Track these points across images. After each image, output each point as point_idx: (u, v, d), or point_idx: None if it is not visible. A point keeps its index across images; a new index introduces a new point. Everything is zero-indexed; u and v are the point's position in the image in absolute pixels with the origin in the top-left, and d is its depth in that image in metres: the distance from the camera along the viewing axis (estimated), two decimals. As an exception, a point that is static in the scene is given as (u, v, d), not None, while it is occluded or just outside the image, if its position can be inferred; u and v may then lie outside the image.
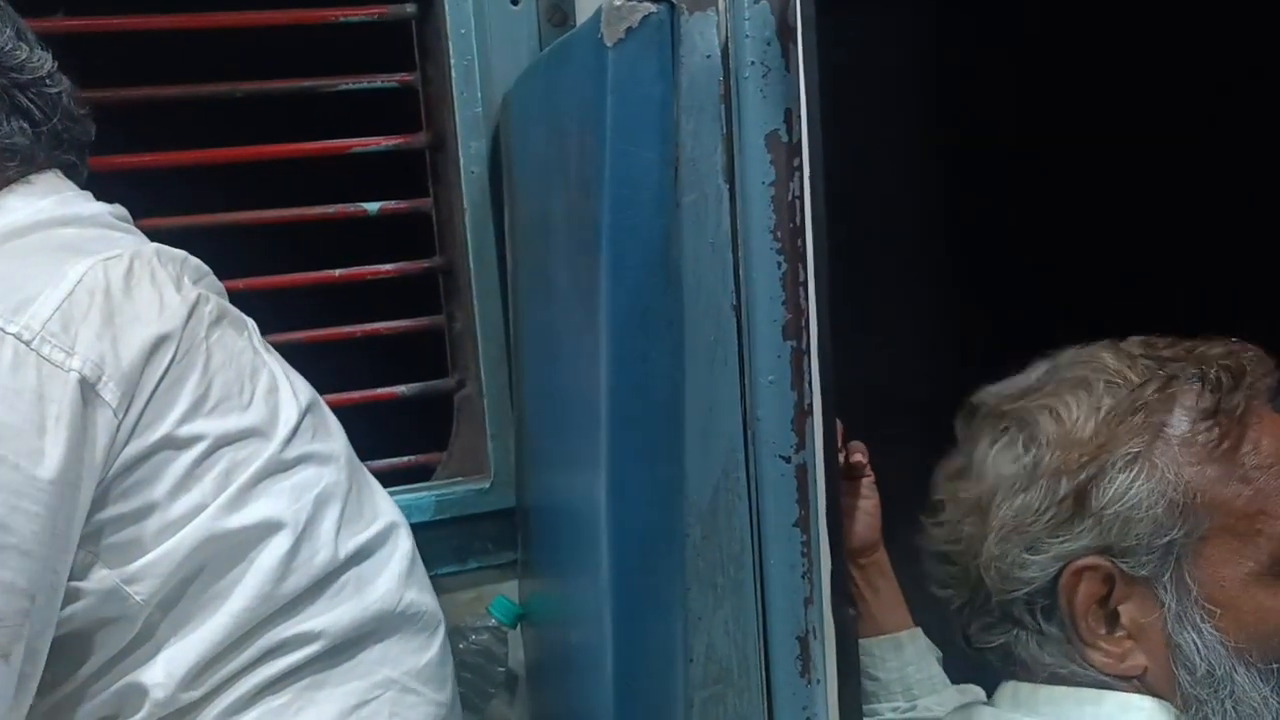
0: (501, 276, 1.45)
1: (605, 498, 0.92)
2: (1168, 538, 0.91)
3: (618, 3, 0.86)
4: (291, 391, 1.05)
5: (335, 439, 1.11)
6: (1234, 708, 0.90)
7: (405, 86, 1.49)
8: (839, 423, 1.24)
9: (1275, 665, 0.92)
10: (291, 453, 1.01)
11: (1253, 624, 0.91)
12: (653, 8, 0.86)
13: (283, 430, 1.01)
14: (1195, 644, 0.91)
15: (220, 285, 1.14)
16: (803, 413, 0.92)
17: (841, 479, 1.26)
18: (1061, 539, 0.93)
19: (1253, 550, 0.92)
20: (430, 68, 1.48)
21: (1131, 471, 0.92)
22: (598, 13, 0.89)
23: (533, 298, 1.29)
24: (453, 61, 1.41)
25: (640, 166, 0.87)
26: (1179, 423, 0.93)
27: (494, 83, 1.42)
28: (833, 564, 1.03)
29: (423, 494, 1.48)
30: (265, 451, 0.99)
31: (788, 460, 0.91)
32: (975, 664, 1.11)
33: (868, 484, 1.32)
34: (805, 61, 0.98)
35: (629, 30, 0.86)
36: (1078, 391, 0.96)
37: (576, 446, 1.04)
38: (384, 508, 1.12)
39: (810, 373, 0.92)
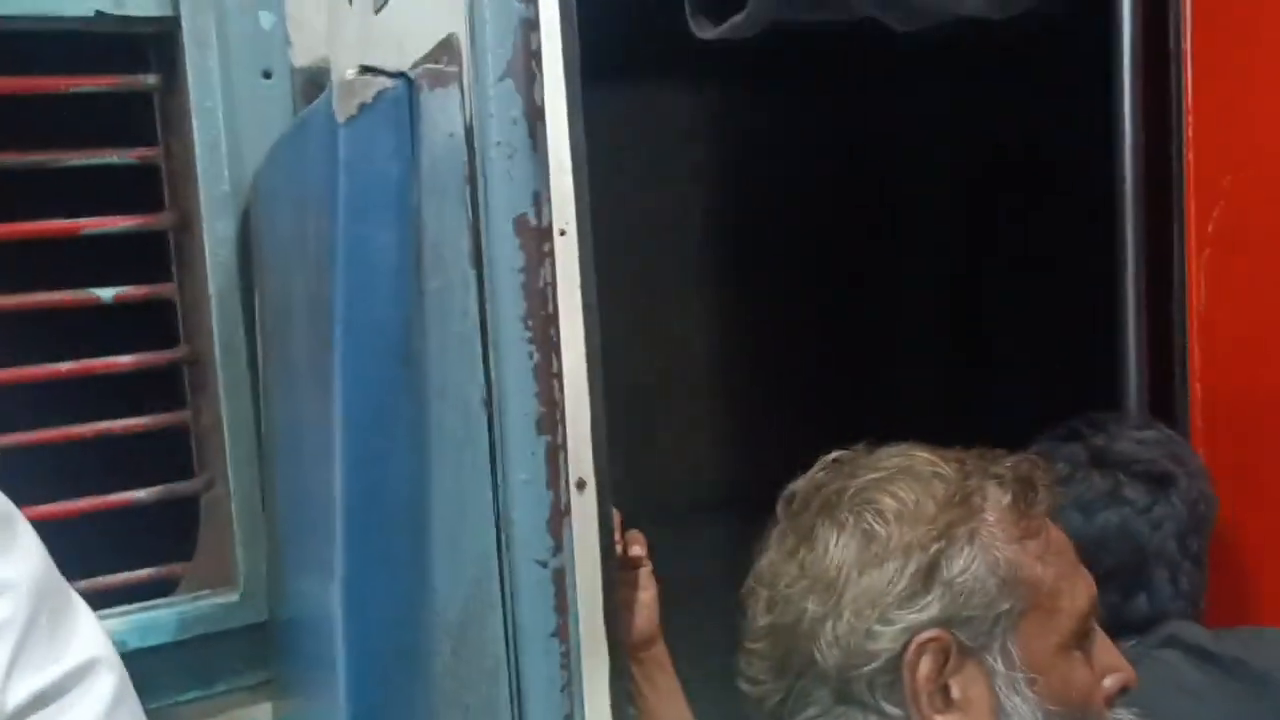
0: (251, 368, 1.34)
1: (341, 612, 0.83)
2: (998, 610, 0.98)
3: (350, 76, 0.80)
4: None
5: (20, 562, 0.96)
6: None
7: (146, 163, 1.38)
8: (617, 512, 1.19)
9: None
10: None
11: (1061, 690, 1.00)
12: (388, 83, 0.80)
13: None
14: (1021, 709, 0.97)
15: None
16: (559, 512, 0.85)
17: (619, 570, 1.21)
18: (911, 610, 0.97)
19: (1056, 624, 1.00)
20: (174, 143, 1.38)
21: (972, 547, 0.98)
22: (331, 87, 0.82)
23: (279, 391, 1.19)
24: (197, 137, 1.31)
25: (376, 250, 0.80)
26: (993, 511, 1.01)
27: (244, 160, 1.33)
28: (611, 663, 0.96)
29: (162, 611, 1.33)
30: None
31: (544, 565, 0.85)
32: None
33: (645, 574, 1.27)
34: (572, 137, 0.94)
35: (362, 106, 0.80)
36: (908, 480, 1.03)
37: (317, 555, 0.94)
38: (83, 641, 0.98)
39: (566, 470, 0.86)
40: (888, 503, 1.01)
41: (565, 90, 0.89)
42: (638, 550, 1.25)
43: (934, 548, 0.98)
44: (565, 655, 0.85)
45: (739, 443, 2.11)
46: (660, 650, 1.30)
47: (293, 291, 1.05)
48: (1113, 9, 1.60)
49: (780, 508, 1.08)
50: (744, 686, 1.06)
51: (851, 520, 1.01)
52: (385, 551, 0.81)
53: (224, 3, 1.30)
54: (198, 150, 1.31)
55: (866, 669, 0.97)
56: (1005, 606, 0.98)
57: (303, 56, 1.35)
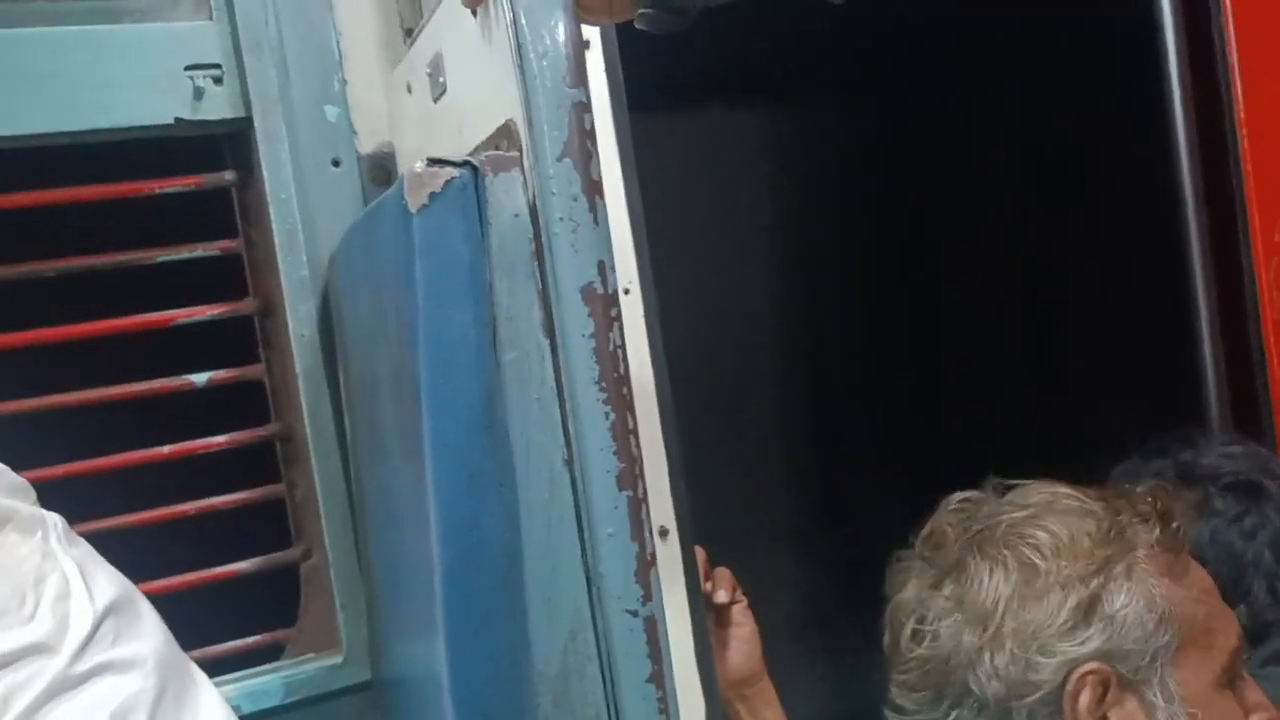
0: (340, 440, 1.40)
1: (446, 673, 0.88)
2: (1156, 644, 1.00)
3: (418, 169, 0.85)
4: (87, 595, 0.97)
5: (145, 639, 1.02)
6: None
7: (229, 253, 1.46)
8: (701, 553, 1.22)
9: None
10: (82, 665, 0.93)
11: None
12: (455, 172, 0.86)
13: (72, 641, 0.93)
14: None
15: (19, 481, 1.06)
16: (646, 563, 0.89)
17: (709, 613, 1.24)
18: (1072, 642, 0.99)
19: (1211, 661, 1.03)
20: (254, 233, 1.46)
21: (1130, 582, 1.01)
22: (402, 179, 0.88)
23: (370, 460, 1.25)
24: (275, 226, 1.39)
25: (455, 328, 0.86)
26: (1144, 547, 1.04)
27: (319, 244, 1.40)
28: (707, 705, 1.00)
29: (270, 676, 1.39)
30: (50, 670, 0.90)
31: (635, 614, 0.89)
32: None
33: (740, 610, 1.29)
34: (629, 204, 0.99)
35: (432, 195, 0.85)
36: (1059, 516, 1.05)
37: (418, 617, 0.99)
38: (208, 711, 1.03)
39: (649, 521, 0.90)
40: (1043, 538, 1.03)
41: (620, 160, 0.94)
42: (723, 596, 1.27)
43: (1095, 582, 1.00)
44: (662, 700, 0.88)
45: (809, 475, 2.12)
46: (765, 686, 1.31)
47: (376, 368, 1.10)
48: (1156, 19, 1.61)
49: (919, 544, 1.11)
50: (891, 715, 1.09)
51: (1008, 554, 1.03)
52: (484, 610, 0.86)
53: (292, 100, 1.38)
54: (276, 238, 1.39)
55: (1027, 700, 0.99)
56: (1163, 641, 1.00)
57: (367, 144, 1.42)
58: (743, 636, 1.28)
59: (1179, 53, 1.62)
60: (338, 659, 1.43)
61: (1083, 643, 0.99)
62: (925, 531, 1.12)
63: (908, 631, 1.07)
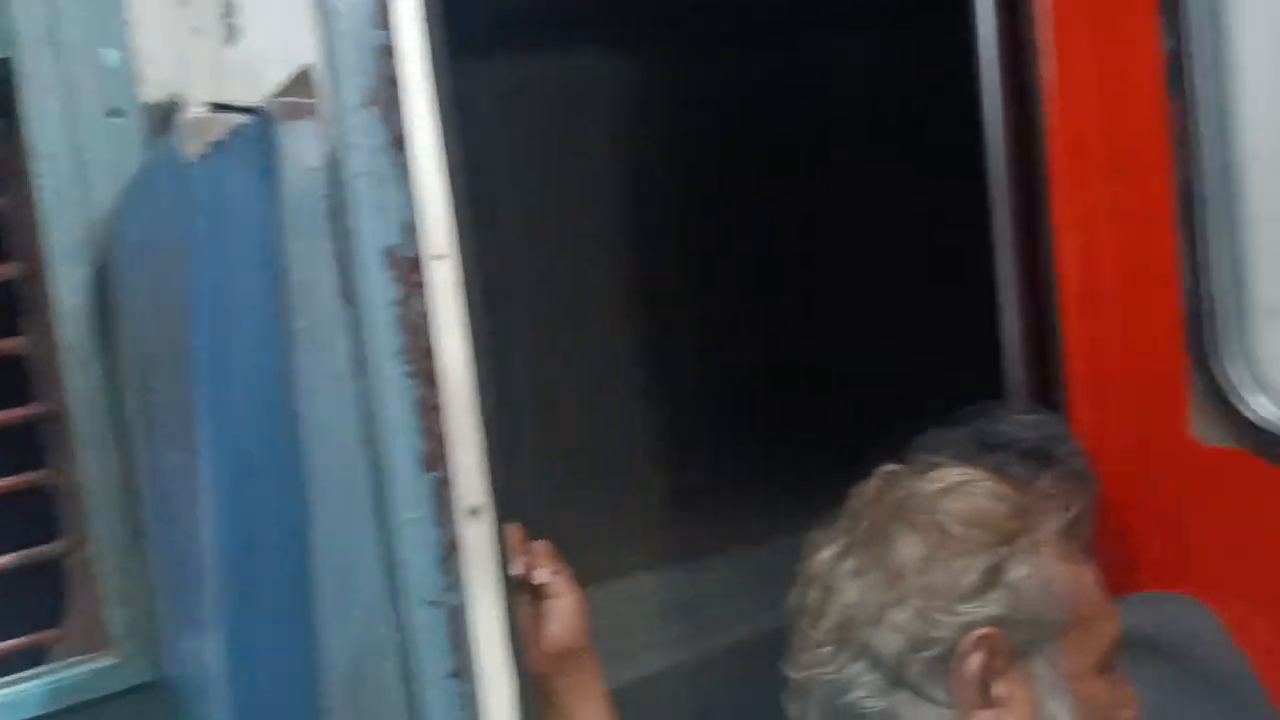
0: (116, 422, 1.27)
1: (225, 672, 0.79)
2: (1049, 618, 1.06)
3: (198, 113, 0.76)
4: None
5: None
6: None
7: (-14, 212, 1.30)
8: (518, 529, 1.16)
9: None
10: None
11: (1090, 707, 1.08)
12: (241, 119, 0.77)
13: None
14: (1059, 714, 1.05)
15: None
16: (450, 550, 0.83)
17: (526, 589, 1.19)
18: (974, 604, 1.04)
19: (1093, 645, 1.09)
20: (19, 189, 1.30)
21: (1033, 557, 1.06)
22: (179, 125, 0.78)
23: (152, 443, 1.14)
24: (40, 183, 1.24)
25: (238, 292, 0.77)
26: (1049, 529, 1.10)
27: (96, 204, 1.26)
28: (517, 694, 0.94)
29: (28, 684, 1.25)
30: None
31: (438, 605, 0.82)
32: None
33: (562, 581, 1.23)
34: (443, 160, 0.91)
35: (215, 144, 0.76)
36: (976, 491, 1.11)
37: (200, 612, 0.89)
38: None
39: (455, 505, 0.84)
40: (959, 508, 1.09)
41: (434, 111, 0.87)
42: (544, 566, 1.22)
43: (1001, 551, 1.06)
44: (466, 695, 0.82)
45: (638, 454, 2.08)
46: (589, 659, 1.27)
47: (157, 339, 1.00)
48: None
49: (845, 507, 1.15)
50: (791, 672, 1.11)
51: (926, 520, 1.09)
52: (266, 605, 0.78)
53: (64, 41, 1.24)
54: (44, 195, 1.24)
55: (923, 655, 1.04)
56: (1054, 617, 1.06)
57: (153, 93, 1.29)
58: (566, 608, 1.23)
59: (992, 36, 1.67)
60: (112, 660, 1.30)
61: (982, 606, 1.04)
62: (848, 498, 1.16)
63: (817, 589, 1.11)
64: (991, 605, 1.04)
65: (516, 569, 1.17)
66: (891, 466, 1.19)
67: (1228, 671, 1.43)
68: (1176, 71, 1.44)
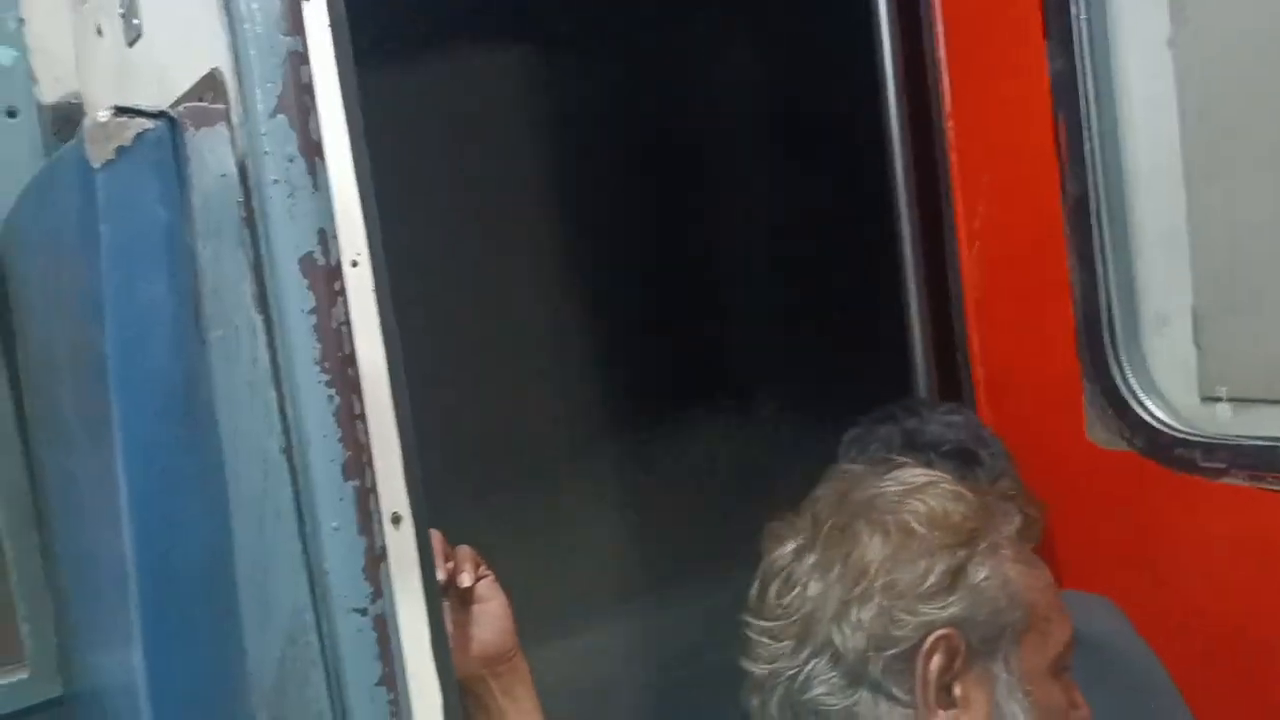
0: (18, 427, 1.23)
1: (143, 688, 0.78)
2: (1006, 620, 1.08)
3: (103, 119, 0.74)
4: None
5: None
6: None
7: (-125, 213, 1.25)
8: (438, 535, 1.15)
9: None
10: None
11: (1046, 708, 1.10)
12: (148, 124, 0.75)
13: None
14: (1017, 715, 1.07)
15: None
16: (375, 557, 0.83)
17: (452, 594, 1.19)
18: (935, 605, 1.06)
19: (1047, 647, 1.11)
20: (-91, 190, 1.25)
21: (993, 558, 1.09)
22: (83, 130, 0.76)
23: (54, 450, 1.10)
24: (-65, 183, 1.20)
25: (148, 300, 0.75)
26: (1006, 531, 1.12)
27: (-9, 206, 1.22)
28: (444, 701, 0.94)
29: (-65, 702, 1.21)
30: None
31: (364, 613, 0.82)
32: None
33: (487, 585, 1.23)
34: (356, 166, 0.91)
35: (120, 150, 0.74)
36: (938, 493, 1.13)
37: (112, 625, 0.87)
38: None
39: (379, 512, 0.83)
40: (922, 509, 1.10)
41: (345, 117, 0.86)
42: (468, 569, 1.21)
43: (962, 553, 1.08)
44: (394, 703, 0.82)
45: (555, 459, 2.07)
46: (518, 662, 1.26)
47: (58, 345, 0.97)
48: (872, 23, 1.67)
49: (805, 506, 1.17)
50: (750, 665, 1.13)
51: (890, 520, 1.10)
52: (185, 618, 0.76)
53: (-47, 37, 1.19)
54: (-64, 197, 1.20)
55: (885, 653, 1.05)
56: (1012, 619, 1.08)
57: (50, 92, 1.25)
58: (492, 611, 1.23)
59: (894, 54, 1.71)
60: (22, 674, 1.27)
61: (944, 606, 1.06)
62: (811, 496, 1.17)
63: (777, 583, 1.11)
64: (952, 607, 1.06)
65: (442, 575, 1.16)
66: (852, 466, 1.20)
67: (1138, 666, 1.49)
68: (1063, 91, 1.49)
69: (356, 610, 0.81)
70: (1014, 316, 1.67)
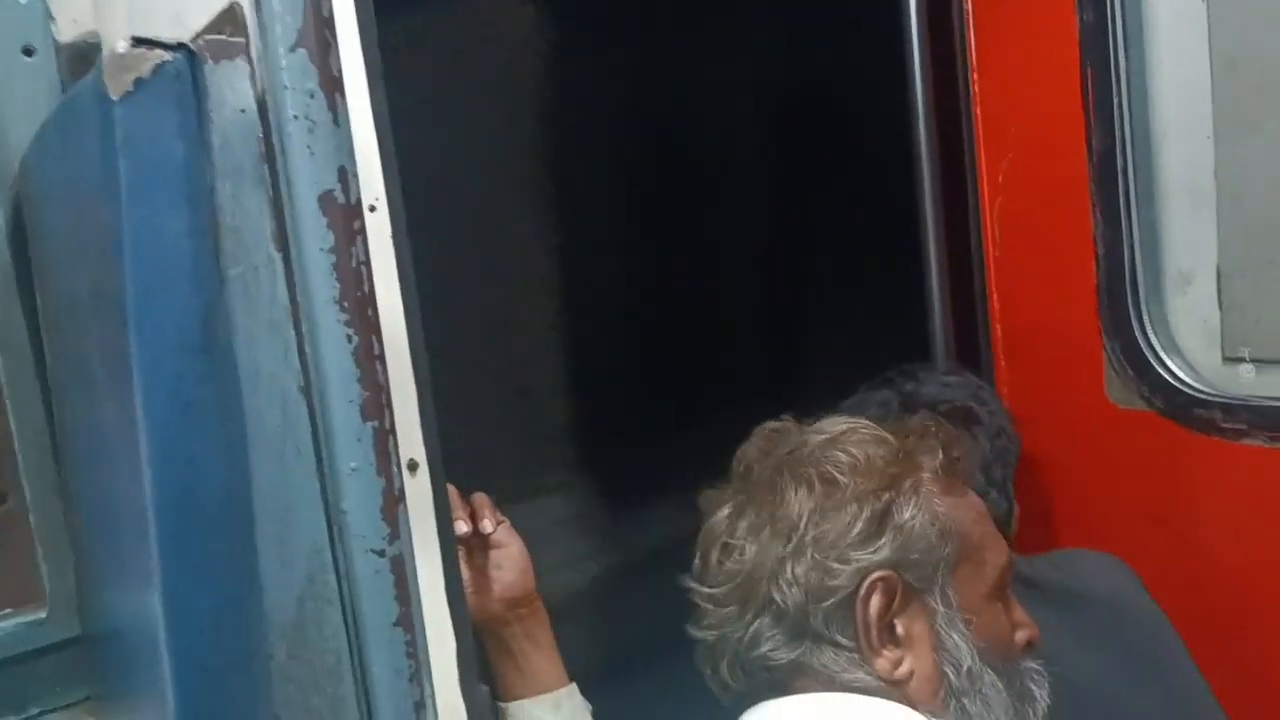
0: (38, 369, 1.23)
1: (163, 622, 0.78)
2: (938, 555, 1.10)
3: (121, 49, 0.73)
4: None
5: None
6: (983, 702, 1.10)
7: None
8: (453, 489, 1.16)
9: (1006, 667, 1.13)
10: None
11: (989, 633, 1.12)
12: (167, 56, 0.74)
13: None
14: (960, 645, 1.09)
15: None
16: (393, 499, 0.82)
17: (470, 540, 1.20)
18: (866, 550, 1.07)
19: (984, 575, 1.14)
20: (-72, 129, 1.24)
21: (917, 497, 1.11)
22: (101, 62, 0.75)
23: (75, 391, 1.10)
24: (-47, 121, 1.19)
25: (166, 236, 0.75)
26: (929, 468, 1.14)
27: (9, 146, 1.21)
28: (458, 645, 0.94)
29: (-42, 637, 1.23)
30: None
31: (381, 554, 0.82)
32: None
33: (505, 531, 1.25)
34: (374, 106, 0.89)
35: (139, 82, 0.73)
36: (857, 440, 1.14)
37: (132, 564, 0.88)
38: None
39: (397, 454, 0.83)
40: (843, 458, 1.12)
41: (364, 56, 0.85)
42: (487, 518, 1.23)
43: (886, 496, 1.09)
44: (410, 644, 0.82)
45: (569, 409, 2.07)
46: (538, 605, 1.29)
47: (77, 284, 0.97)
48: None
49: (733, 468, 1.19)
50: (699, 633, 1.15)
51: (813, 472, 1.11)
52: (205, 555, 0.77)
53: (-31, -26, 1.18)
54: (-45, 136, 1.19)
55: (824, 604, 1.07)
56: (944, 553, 1.10)
57: (67, 31, 1.23)
58: (512, 555, 1.26)
59: (917, 5, 1.68)
60: (41, 614, 1.28)
61: (875, 551, 1.07)
62: (736, 457, 1.18)
63: (716, 550, 1.13)
64: (883, 550, 1.08)
65: (464, 526, 1.17)
66: (773, 424, 1.21)
67: (1147, 624, 1.49)
68: (1093, 44, 1.47)
69: (374, 551, 0.81)
70: (1035, 274, 1.65)
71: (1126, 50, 1.44)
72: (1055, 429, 1.62)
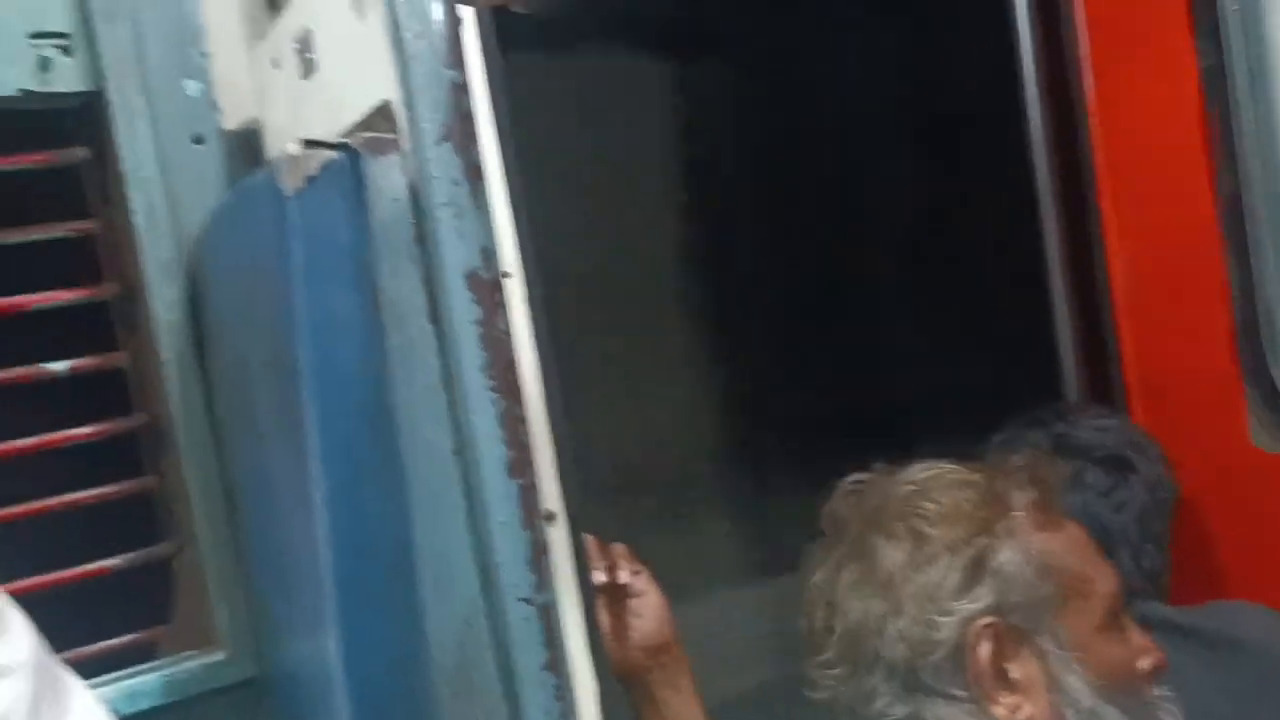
0: (212, 430, 1.35)
1: (340, 668, 0.86)
2: (1041, 594, 1.08)
3: (293, 151, 0.82)
4: None
5: (16, 645, 0.97)
6: None
7: (82, 235, 1.38)
8: (590, 539, 1.21)
9: (1130, 701, 1.09)
10: None
11: (1106, 668, 1.09)
12: (333, 155, 0.83)
13: None
14: (1076, 683, 1.07)
15: None
16: (539, 550, 0.89)
17: (610, 590, 1.24)
18: (965, 600, 1.06)
19: (1092, 607, 1.11)
20: (110, 213, 1.38)
21: (1011, 539, 1.08)
22: (274, 161, 0.84)
23: (246, 450, 1.21)
24: (135, 206, 1.31)
25: (339, 311, 0.83)
26: (1020, 505, 1.11)
27: (184, 225, 1.33)
28: (599, 687, 0.99)
29: (148, 676, 1.33)
30: None
31: (530, 602, 0.88)
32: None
33: (643, 580, 1.28)
34: (510, 189, 0.97)
35: (309, 178, 0.82)
36: (942, 487, 1.13)
37: (306, 612, 0.96)
38: (82, 714, 0.99)
39: (539, 508, 0.89)
40: (930, 508, 1.10)
41: (499, 145, 0.92)
42: (625, 566, 1.26)
43: (978, 541, 1.07)
44: (559, 687, 0.88)
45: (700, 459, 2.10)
46: (678, 653, 1.31)
47: (249, 353, 1.06)
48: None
49: (825, 526, 1.18)
50: (817, 695, 1.14)
51: (900, 526, 1.10)
52: (376, 603, 0.84)
53: (148, 74, 1.31)
54: (138, 218, 1.31)
55: (931, 658, 1.06)
56: (1047, 591, 1.07)
57: (232, 120, 1.36)
58: (651, 604, 1.28)
59: (1034, 50, 1.68)
60: (219, 655, 1.38)
61: (975, 599, 1.06)
62: (825, 515, 1.17)
63: (820, 612, 1.12)
64: (984, 596, 1.06)
65: (600, 573, 1.21)
66: (858, 475, 1.19)
67: None
68: (1214, 86, 1.44)
69: (523, 599, 0.88)
70: (1167, 317, 1.62)
71: (1251, 91, 1.42)
72: (1197, 476, 1.57)
